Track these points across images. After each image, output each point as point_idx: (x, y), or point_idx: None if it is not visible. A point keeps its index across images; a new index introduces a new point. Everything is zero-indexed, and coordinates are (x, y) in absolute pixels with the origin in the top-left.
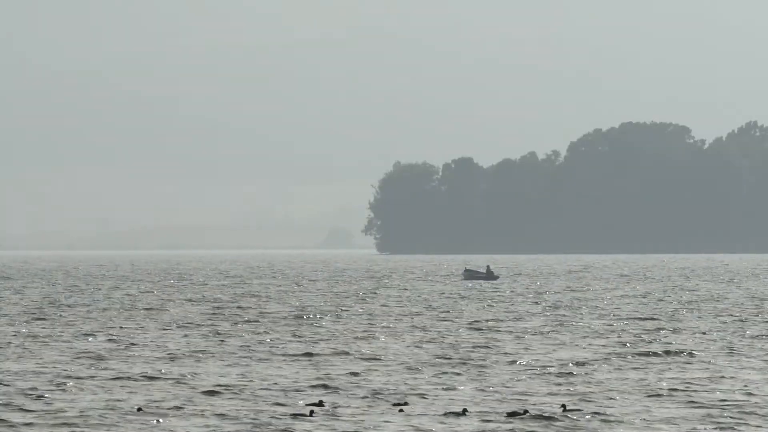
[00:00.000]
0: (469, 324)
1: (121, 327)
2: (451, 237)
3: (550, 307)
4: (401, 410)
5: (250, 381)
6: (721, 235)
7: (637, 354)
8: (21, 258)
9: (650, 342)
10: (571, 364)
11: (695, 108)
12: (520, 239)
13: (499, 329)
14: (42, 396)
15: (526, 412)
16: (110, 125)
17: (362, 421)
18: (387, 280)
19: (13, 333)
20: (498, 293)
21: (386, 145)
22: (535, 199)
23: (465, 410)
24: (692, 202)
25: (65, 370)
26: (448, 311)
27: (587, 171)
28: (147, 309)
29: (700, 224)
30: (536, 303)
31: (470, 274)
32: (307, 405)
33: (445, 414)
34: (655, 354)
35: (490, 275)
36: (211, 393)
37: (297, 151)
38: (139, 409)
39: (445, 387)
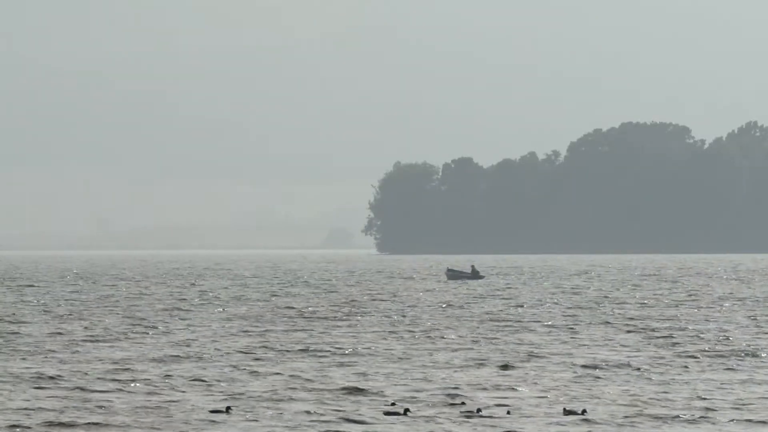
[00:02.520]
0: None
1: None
2: (451, 237)
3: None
4: (479, 411)
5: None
6: (721, 235)
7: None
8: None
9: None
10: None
11: (695, 108)
12: (520, 239)
13: (530, 328)
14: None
15: (584, 411)
16: (110, 125)
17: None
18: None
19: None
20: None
21: (386, 145)
22: (535, 199)
23: (508, 411)
24: (692, 202)
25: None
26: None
27: (587, 171)
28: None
29: (700, 224)
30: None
31: (454, 274)
32: (388, 410)
33: (509, 414)
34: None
35: (475, 275)
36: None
37: (297, 151)
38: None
39: (503, 387)
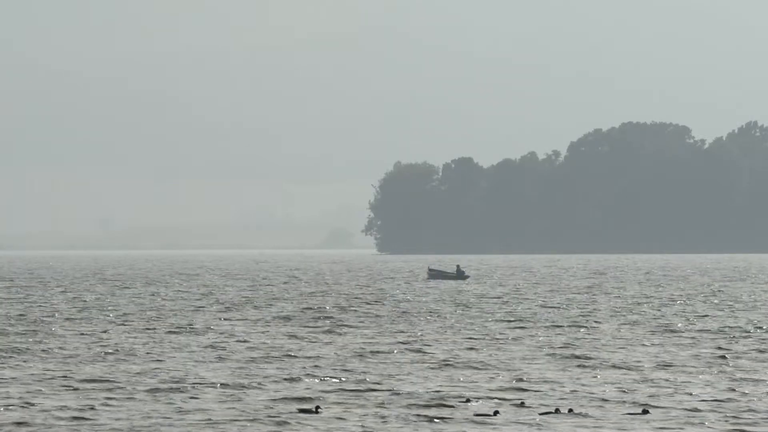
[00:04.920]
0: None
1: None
2: (451, 237)
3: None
4: (568, 411)
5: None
6: (722, 235)
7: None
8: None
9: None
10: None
11: (695, 108)
12: (520, 239)
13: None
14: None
15: (646, 411)
16: (110, 125)
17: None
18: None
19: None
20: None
21: (386, 145)
22: (535, 199)
23: (557, 409)
24: (692, 202)
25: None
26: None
27: (587, 171)
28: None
29: (700, 224)
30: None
31: (435, 274)
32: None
33: (626, 415)
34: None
35: (460, 275)
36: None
37: (297, 151)
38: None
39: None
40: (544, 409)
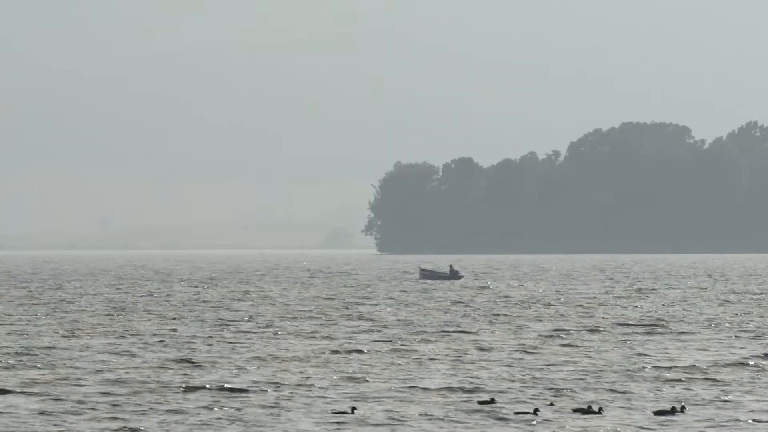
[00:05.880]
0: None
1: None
2: (451, 237)
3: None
4: (600, 410)
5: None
6: (721, 235)
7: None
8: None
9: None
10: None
11: (695, 108)
12: (519, 239)
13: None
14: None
15: (683, 408)
16: (110, 125)
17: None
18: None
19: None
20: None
21: (386, 145)
22: (535, 199)
23: (599, 407)
24: (692, 202)
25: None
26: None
27: (587, 171)
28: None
29: (701, 224)
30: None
31: (426, 274)
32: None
33: (657, 413)
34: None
35: (453, 275)
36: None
37: (297, 150)
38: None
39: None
40: (576, 407)
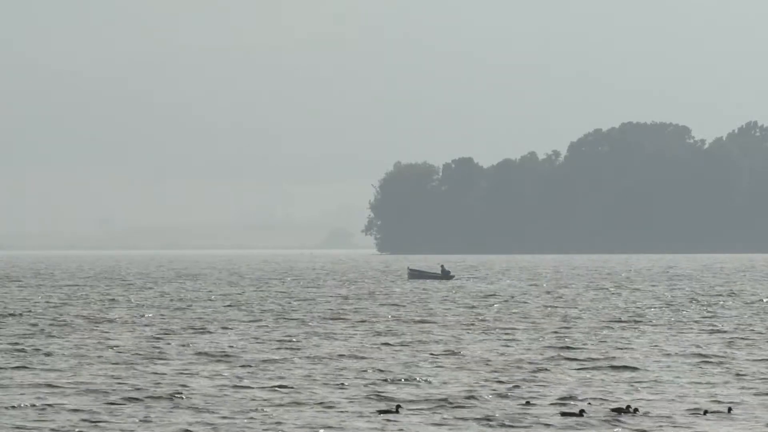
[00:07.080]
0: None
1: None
2: (451, 237)
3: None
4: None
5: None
6: (721, 235)
7: None
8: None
9: None
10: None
11: (695, 108)
12: (519, 239)
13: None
14: None
15: (706, 412)
16: (110, 125)
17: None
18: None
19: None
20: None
21: (386, 145)
22: (535, 199)
23: (628, 406)
24: (692, 202)
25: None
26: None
27: (587, 171)
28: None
29: (700, 224)
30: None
31: (415, 274)
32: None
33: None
34: None
35: (445, 275)
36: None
37: (297, 150)
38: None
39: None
40: (615, 406)
